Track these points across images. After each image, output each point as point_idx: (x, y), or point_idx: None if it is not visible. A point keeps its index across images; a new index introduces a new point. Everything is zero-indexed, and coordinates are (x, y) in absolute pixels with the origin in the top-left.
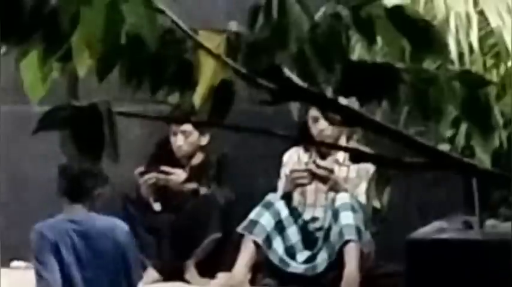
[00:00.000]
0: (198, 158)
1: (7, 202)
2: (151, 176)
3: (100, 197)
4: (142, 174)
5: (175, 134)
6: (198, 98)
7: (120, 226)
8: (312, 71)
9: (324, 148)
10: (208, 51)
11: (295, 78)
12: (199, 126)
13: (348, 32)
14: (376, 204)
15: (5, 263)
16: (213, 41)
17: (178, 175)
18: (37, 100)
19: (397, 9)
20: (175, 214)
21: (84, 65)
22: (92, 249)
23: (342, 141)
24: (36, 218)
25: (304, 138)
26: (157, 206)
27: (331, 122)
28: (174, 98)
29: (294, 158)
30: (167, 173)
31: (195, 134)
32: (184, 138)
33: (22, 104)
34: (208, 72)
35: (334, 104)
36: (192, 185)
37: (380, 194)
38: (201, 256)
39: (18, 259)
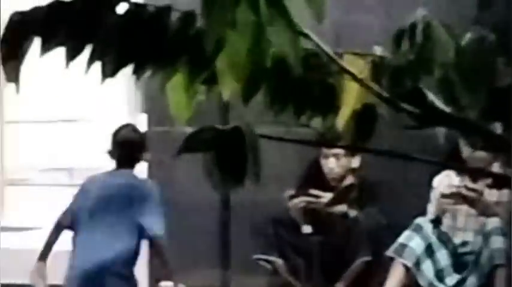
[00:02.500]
0: (348, 181)
1: None
2: (301, 200)
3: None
4: (292, 197)
5: (326, 156)
6: (341, 121)
7: (150, 183)
8: (456, 96)
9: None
10: (352, 76)
11: (438, 103)
12: (348, 150)
13: (494, 57)
14: None
15: (153, 284)
16: (357, 65)
17: (328, 198)
18: (182, 122)
19: None
20: (325, 236)
21: (229, 88)
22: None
23: (496, 166)
24: (183, 239)
25: (453, 161)
26: (307, 229)
27: (475, 147)
28: (317, 121)
29: (445, 182)
30: (317, 197)
31: (346, 157)
32: (336, 161)
33: (168, 126)
34: (351, 96)
35: (477, 129)
36: (342, 208)
37: None
38: (350, 279)
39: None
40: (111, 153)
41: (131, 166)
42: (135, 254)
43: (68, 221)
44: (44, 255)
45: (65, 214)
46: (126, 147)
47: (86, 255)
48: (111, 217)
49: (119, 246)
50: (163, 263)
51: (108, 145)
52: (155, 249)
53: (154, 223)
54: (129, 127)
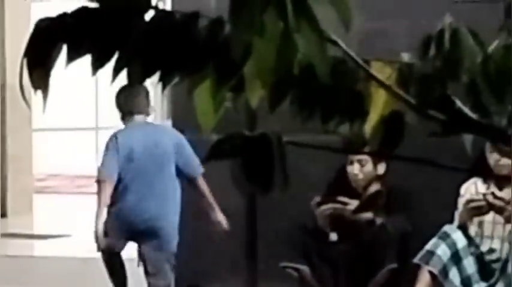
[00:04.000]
0: (374, 188)
1: (183, 229)
2: (328, 207)
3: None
4: (319, 204)
5: (351, 163)
6: (369, 128)
7: (174, 131)
8: (484, 103)
9: (503, 179)
10: (380, 82)
11: (466, 110)
12: (374, 156)
13: None
14: None
15: None
16: (384, 72)
17: (355, 205)
18: (209, 129)
19: None
20: (352, 244)
21: (256, 95)
22: (148, 145)
23: None
24: (210, 247)
25: (479, 169)
26: (333, 236)
27: (503, 153)
28: (344, 128)
29: (472, 189)
30: (343, 203)
31: (371, 163)
32: (360, 167)
33: (194, 133)
34: (379, 103)
35: (505, 136)
36: (368, 215)
37: None
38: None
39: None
40: (122, 106)
41: (147, 114)
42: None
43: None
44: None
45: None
46: (138, 97)
47: (139, 206)
48: (156, 168)
49: (171, 194)
50: (210, 198)
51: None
52: (201, 187)
53: (197, 163)
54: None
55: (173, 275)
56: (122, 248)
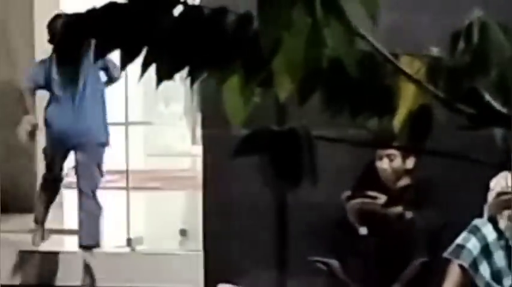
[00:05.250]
0: (403, 182)
1: (213, 223)
2: (358, 201)
3: None
4: (348, 198)
5: (380, 158)
6: (398, 123)
7: None
8: None
9: None
10: (409, 77)
11: (495, 104)
12: (402, 151)
13: None
14: None
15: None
16: (413, 66)
17: (384, 199)
18: (238, 124)
19: None
20: (381, 238)
21: (285, 89)
22: None
23: None
24: (240, 241)
25: (509, 164)
26: (363, 230)
27: None
28: (373, 122)
29: (502, 183)
30: (373, 198)
31: (400, 158)
32: (389, 162)
33: (223, 127)
34: (408, 98)
35: None
36: (398, 209)
37: None
38: (406, 281)
39: (225, 282)
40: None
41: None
42: None
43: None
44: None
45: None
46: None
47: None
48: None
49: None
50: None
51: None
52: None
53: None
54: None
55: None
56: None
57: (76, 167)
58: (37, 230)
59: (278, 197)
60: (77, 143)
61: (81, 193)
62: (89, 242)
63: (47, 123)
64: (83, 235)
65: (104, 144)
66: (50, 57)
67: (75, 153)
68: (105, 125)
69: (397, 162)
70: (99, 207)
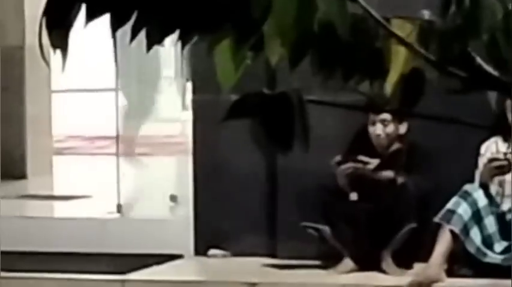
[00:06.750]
0: (395, 147)
1: (203, 189)
2: (349, 166)
3: None
4: (339, 163)
5: (373, 123)
6: (389, 86)
7: None
8: (504, 60)
9: None
10: (400, 40)
11: (486, 67)
12: (396, 115)
13: None
14: None
15: (202, 252)
16: (405, 30)
17: (375, 164)
18: (229, 88)
19: None
20: (372, 203)
21: (276, 53)
22: None
23: None
24: (230, 207)
25: (501, 127)
26: (354, 196)
27: None
28: (364, 86)
29: (492, 148)
30: (364, 163)
31: (394, 123)
32: (383, 127)
33: (213, 92)
34: (399, 61)
35: None
36: (389, 175)
37: None
38: (397, 246)
39: (214, 247)
40: None
41: None
42: None
43: None
44: None
45: None
46: None
47: None
48: None
49: None
50: None
51: None
52: None
53: None
54: None
55: None
56: None
57: None
58: None
59: (268, 162)
60: None
61: None
62: None
63: None
64: None
65: None
66: None
67: None
68: None
69: (391, 127)
70: None
